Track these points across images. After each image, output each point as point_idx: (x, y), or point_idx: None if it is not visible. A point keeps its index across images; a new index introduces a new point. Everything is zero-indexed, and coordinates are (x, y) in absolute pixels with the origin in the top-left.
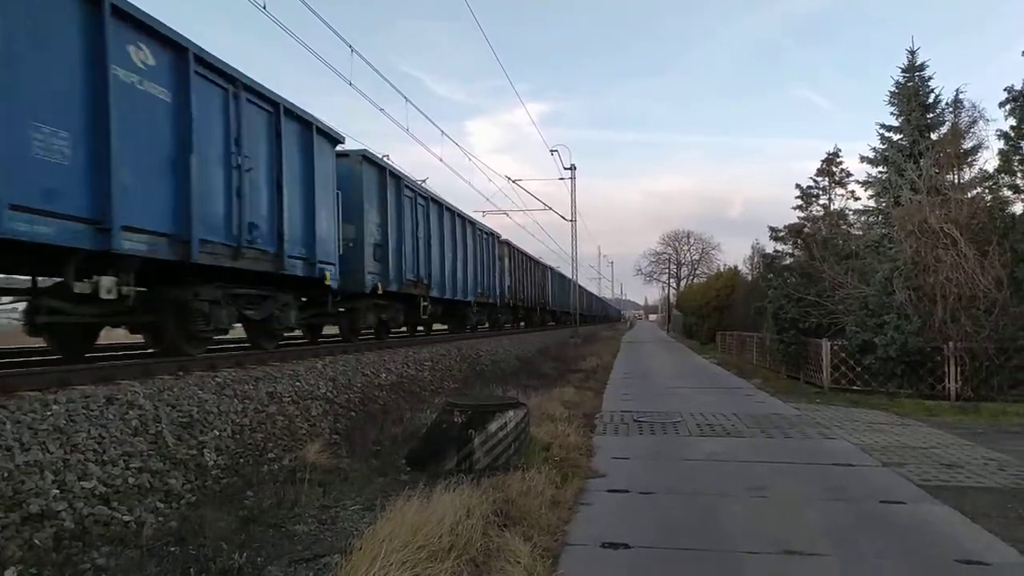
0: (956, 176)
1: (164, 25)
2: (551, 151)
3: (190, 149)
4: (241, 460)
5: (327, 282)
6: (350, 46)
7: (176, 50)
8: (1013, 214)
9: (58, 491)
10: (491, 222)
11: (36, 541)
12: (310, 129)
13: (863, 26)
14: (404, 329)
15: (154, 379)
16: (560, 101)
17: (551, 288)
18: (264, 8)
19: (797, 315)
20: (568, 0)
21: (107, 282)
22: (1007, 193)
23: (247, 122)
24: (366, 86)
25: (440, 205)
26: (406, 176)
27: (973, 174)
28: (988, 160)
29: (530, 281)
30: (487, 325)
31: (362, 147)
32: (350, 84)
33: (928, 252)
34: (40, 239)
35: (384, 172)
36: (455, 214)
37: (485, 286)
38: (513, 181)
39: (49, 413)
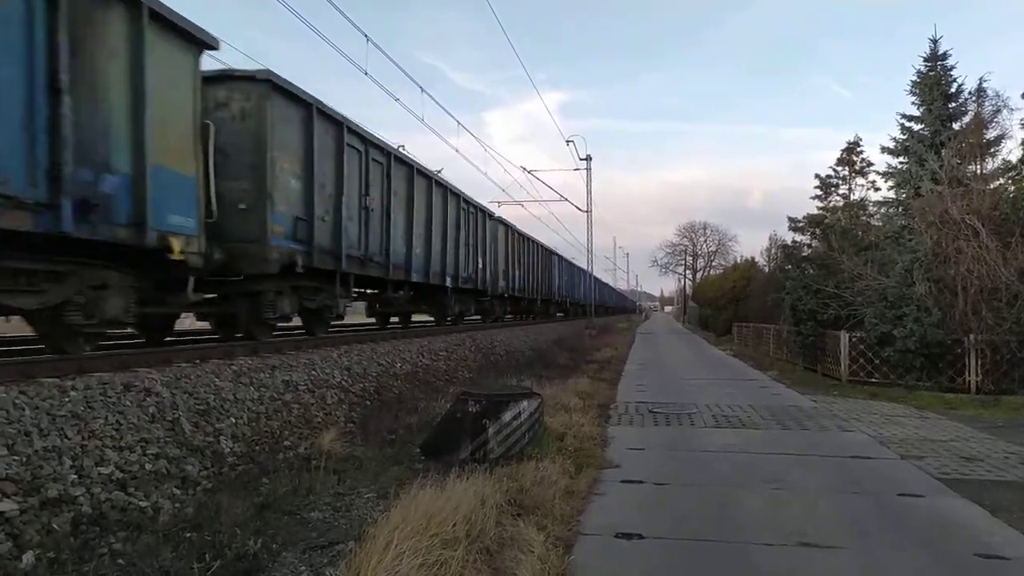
0: (978, 166)
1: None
2: (567, 141)
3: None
4: (257, 448)
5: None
6: (366, 35)
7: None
8: None
9: (76, 476)
10: (507, 213)
11: (54, 526)
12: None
13: (885, 14)
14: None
15: (171, 367)
16: (577, 90)
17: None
18: None
19: (815, 306)
20: None
21: None
22: None
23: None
24: (383, 75)
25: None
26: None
27: (996, 164)
28: (1012, 150)
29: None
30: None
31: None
32: (366, 74)
33: (949, 243)
34: None
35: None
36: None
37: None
38: (529, 172)
39: (67, 399)
